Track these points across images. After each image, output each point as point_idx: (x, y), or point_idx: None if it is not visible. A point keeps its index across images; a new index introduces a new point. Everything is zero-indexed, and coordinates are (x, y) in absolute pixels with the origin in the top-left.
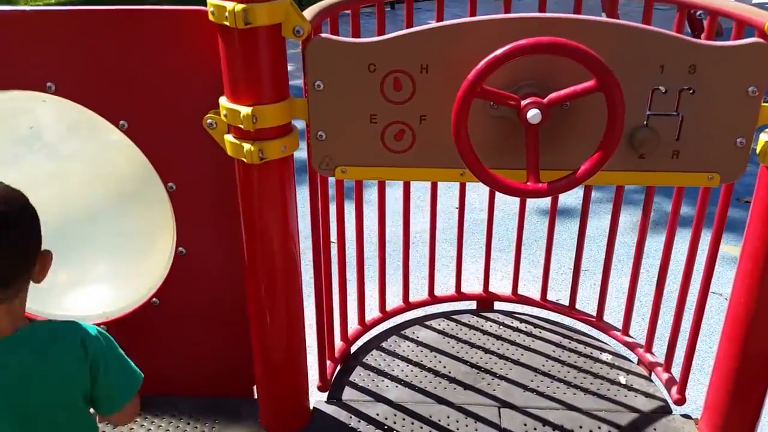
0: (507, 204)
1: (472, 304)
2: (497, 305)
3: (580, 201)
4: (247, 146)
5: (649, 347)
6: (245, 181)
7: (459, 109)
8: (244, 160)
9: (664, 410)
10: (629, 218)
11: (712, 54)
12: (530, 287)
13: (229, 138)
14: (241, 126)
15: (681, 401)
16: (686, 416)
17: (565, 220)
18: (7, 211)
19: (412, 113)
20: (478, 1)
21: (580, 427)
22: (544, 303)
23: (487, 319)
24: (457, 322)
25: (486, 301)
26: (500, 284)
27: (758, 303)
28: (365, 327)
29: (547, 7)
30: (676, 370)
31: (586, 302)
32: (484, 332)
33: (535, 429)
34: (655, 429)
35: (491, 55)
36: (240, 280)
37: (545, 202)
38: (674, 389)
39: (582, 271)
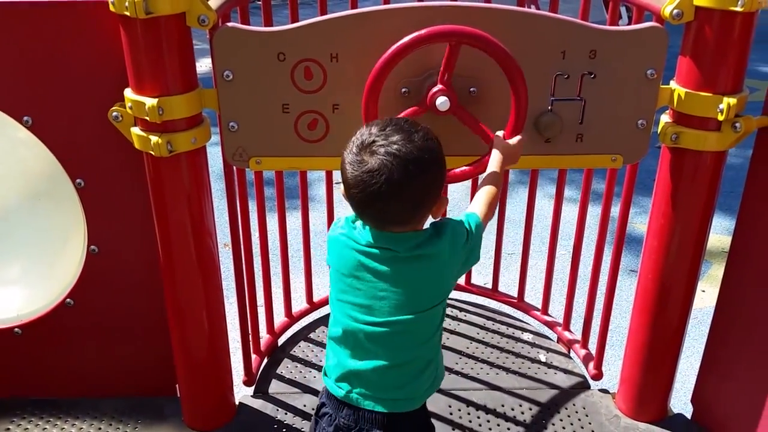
0: (454, 192)
1: None
2: None
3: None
4: (154, 139)
5: (566, 325)
6: (155, 175)
7: (369, 94)
8: (152, 153)
9: (583, 386)
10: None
11: (611, 39)
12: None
13: (135, 131)
14: (147, 118)
15: (598, 376)
16: (604, 391)
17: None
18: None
19: (324, 102)
20: None
21: (502, 406)
22: (468, 287)
23: None
24: None
25: None
26: None
27: (663, 277)
28: (292, 319)
29: None
30: (594, 347)
31: (513, 284)
32: None
33: (459, 410)
34: (574, 404)
35: (405, 39)
36: (158, 278)
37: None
38: (591, 365)
39: (509, 254)
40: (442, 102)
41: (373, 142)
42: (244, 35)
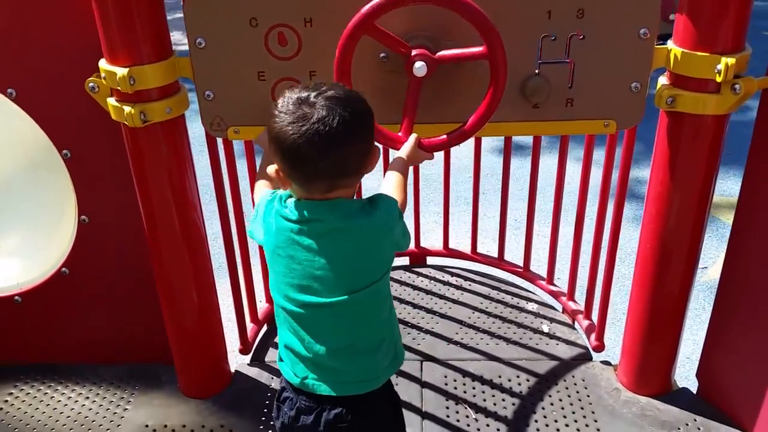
0: (459, 159)
1: (406, 260)
2: (431, 260)
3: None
4: (127, 109)
5: (571, 295)
6: (133, 146)
7: (343, 48)
8: (127, 123)
9: (585, 357)
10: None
11: None
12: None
13: (111, 101)
14: (119, 88)
15: (599, 348)
16: (606, 363)
17: (516, 173)
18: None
19: (300, 69)
20: None
21: (499, 377)
22: (474, 256)
23: (419, 274)
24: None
25: (419, 257)
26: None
27: (663, 246)
28: None
29: None
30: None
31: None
32: (415, 287)
33: (455, 380)
34: (573, 376)
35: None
36: (147, 246)
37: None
38: (593, 336)
39: (520, 223)
40: (419, 67)
41: (308, 96)
42: (215, 0)
